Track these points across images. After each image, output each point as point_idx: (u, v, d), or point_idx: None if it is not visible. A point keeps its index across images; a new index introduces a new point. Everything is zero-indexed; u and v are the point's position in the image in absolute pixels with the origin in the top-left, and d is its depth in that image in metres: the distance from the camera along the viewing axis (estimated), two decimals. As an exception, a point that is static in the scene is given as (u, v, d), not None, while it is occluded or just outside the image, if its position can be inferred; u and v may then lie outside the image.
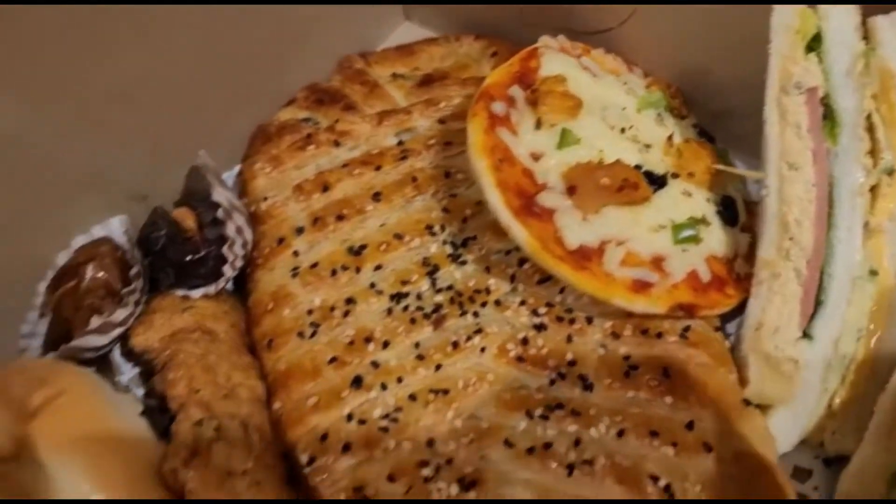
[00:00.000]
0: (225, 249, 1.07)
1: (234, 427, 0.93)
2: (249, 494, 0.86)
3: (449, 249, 1.09)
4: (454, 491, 0.90)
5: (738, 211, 1.09)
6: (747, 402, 0.97)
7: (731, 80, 1.16)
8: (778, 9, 1.00)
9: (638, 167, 1.05)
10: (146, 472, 0.88)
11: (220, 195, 1.09)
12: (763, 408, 0.99)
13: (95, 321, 1.01)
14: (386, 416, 0.96)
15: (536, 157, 1.04)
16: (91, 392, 0.93)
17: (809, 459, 1.00)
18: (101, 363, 1.06)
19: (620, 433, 0.93)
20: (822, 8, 0.99)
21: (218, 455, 0.89)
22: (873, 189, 0.98)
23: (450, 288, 1.06)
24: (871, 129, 0.98)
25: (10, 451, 0.83)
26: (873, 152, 0.98)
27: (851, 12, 0.99)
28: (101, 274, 1.04)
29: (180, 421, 0.92)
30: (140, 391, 1.06)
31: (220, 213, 1.08)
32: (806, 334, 0.98)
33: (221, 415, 0.93)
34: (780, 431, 0.99)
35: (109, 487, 0.84)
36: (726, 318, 1.06)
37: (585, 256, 0.98)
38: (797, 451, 1.00)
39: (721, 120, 1.20)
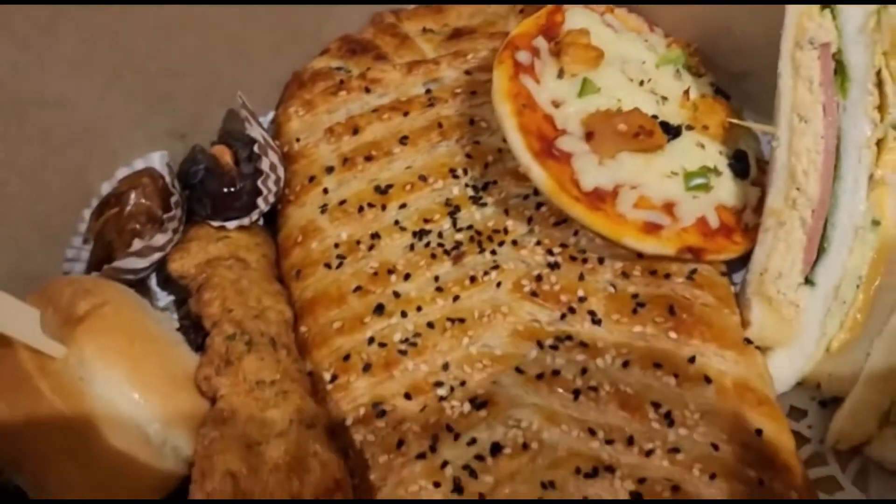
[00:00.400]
0: (259, 183, 1.14)
1: (263, 343, 0.99)
2: (276, 402, 0.92)
3: (470, 192, 1.14)
4: (466, 409, 0.96)
5: (750, 165, 1.13)
6: (748, 341, 1.02)
7: (750, 42, 1.19)
8: (792, -33, 1.04)
9: (654, 117, 1.09)
10: (183, 378, 0.95)
11: (256, 132, 1.15)
12: (763, 350, 1.04)
13: (137, 244, 1.07)
14: (405, 341, 1.02)
15: (557, 105, 1.09)
16: (133, 304, 1.00)
17: (806, 400, 1.05)
18: (139, 290, 1.13)
19: (625, 364, 0.98)
20: (838, -33, 1.03)
21: (249, 365, 0.95)
22: (880, 142, 1.02)
23: (470, 227, 1.11)
24: (880, 84, 1.01)
25: (60, 353, 0.90)
26: (881, 107, 1.01)
27: (865, -29, 1.03)
28: (142, 200, 1.11)
29: (214, 335, 0.98)
30: (175, 317, 1.14)
31: (255, 149, 1.14)
32: (808, 280, 1.03)
33: (252, 331, 0.99)
34: (779, 372, 1.03)
35: (147, 389, 0.91)
36: (733, 268, 1.11)
37: (600, 198, 1.03)
38: (794, 392, 1.05)
39: (738, 81, 1.24)
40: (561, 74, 1.11)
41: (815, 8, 1.03)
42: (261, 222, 1.22)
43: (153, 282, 1.20)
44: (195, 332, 1.06)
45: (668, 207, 1.05)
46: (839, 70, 1.02)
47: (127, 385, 0.90)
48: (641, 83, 1.13)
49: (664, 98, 1.14)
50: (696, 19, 1.25)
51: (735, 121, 1.13)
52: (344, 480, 0.87)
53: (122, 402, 0.89)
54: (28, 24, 1.02)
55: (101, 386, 0.89)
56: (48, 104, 1.07)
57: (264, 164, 1.14)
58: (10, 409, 0.89)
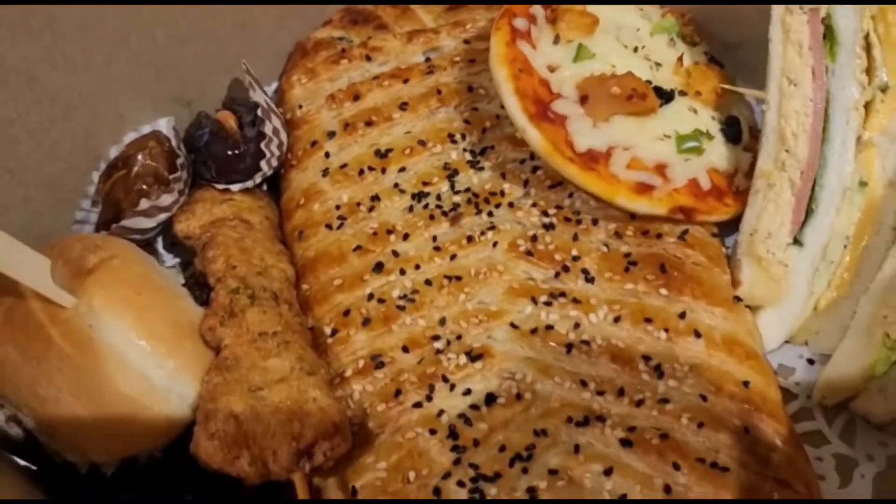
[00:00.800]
0: (262, 146, 1.17)
1: (266, 297, 1.02)
2: (278, 352, 0.95)
3: (468, 156, 1.17)
4: (462, 361, 0.99)
5: (742, 131, 1.15)
6: (738, 299, 1.04)
7: (743, 11, 1.22)
8: (782, -68, 1.06)
9: (648, 82, 1.12)
10: (188, 328, 0.98)
11: (259, 97, 1.17)
12: (753, 309, 1.07)
13: (144, 203, 1.10)
14: (403, 297, 1.05)
15: (553, 69, 1.12)
16: (140, 258, 1.03)
17: (793, 358, 1.08)
18: (146, 252, 1.16)
19: (617, 319, 1.01)
20: (829, -67, 1.06)
21: (252, 317, 0.98)
22: (867, 105, 1.05)
23: (467, 190, 1.14)
24: (867, 47, 1.04)
25: (71, 303, 0.93)
26: (869, 70, 1.04)
27: (855, -63, 1.05)
28: (149, 162, 1.14)
29: (219, 289, 1.01)
30: (181, 279, 1.17)
31: (259, 113, 1.17)
32: (796, 240, 1.06)
33: (255, 286, 1.02)
34: (768, 330, 1.06)
35: (154, 337, 0.94)
36: (727, 232, 1.13)
37: (593, 159, 1.06)
38: (783, 349, 1.08)
39: (733, 50, 1.26)
40: (557, 40, 1.14)
41: (806, -26, 1.05)
42: (265, 188, 1.25)
43: (160, 245, 1.23)
44: (200, 289, 1.09)
45: (661, 169, 1.07)
46: (828, 34, 1.05)
47: (134, 333, 0.93)
48: (636, 50, 1.16)
49: (658, 64, 1.16)
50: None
51: (727, 86, 1.15)
52: (342, 425, 0.90)
53: (129, 349, 0.92)
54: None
55: (110, 334, 0.92)
56: (57, 66, 1.10)
57: (267, 128, 1.17)
58: (22, 355, 0.92)
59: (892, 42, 1.03)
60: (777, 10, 1.06)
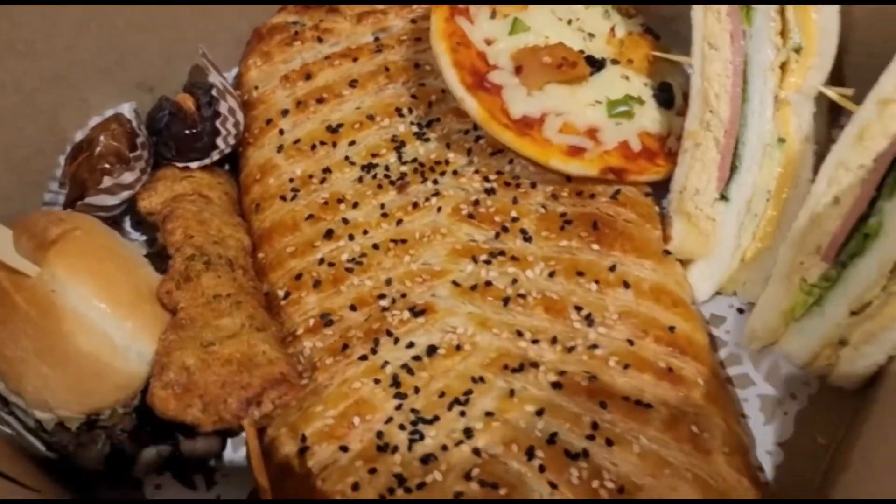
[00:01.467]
0: (218, 124, 1.23)
1: (221, 263, 1.08)
2: (230, 311, 1.02)
3: (415, 129, 1.23)
4: (406, 317, 1.06)
5: (675, 96, 1.21)
6: (667, 253, 1.10)
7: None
8: None
9: (581, 52, 1.18)
10: (147, 293, 1.04)
11: (215, 78, 1.24)
12: (685, 263, 1.13)
13: (107, 181, 1.16)
14: (352, 260, 1.12)
15: (489, 43, 1.18)
16: (102, 231, 1.10)
17: (724, 308, 1.14)
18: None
19: (552, 274, 1.07)
20: None
21: (206, 281, 1.04)
22: (783, 65, 1.11)
23: (414, 160, 1.20)
24: (781, 11, 1.10)
25: (34, 271, 0.99)
26: (783, 32, 1.10)
27: None
28: (111, 142, 1.20)
29: (176, 256, 1.08)
30: (145, 252, 1.24)
31: (214, 93, 1.23)
32: (723, 196, 1.12)
33: (211, 253, 1.09)
34: (699, 282, 1.12)
35: (114, 301, 1.00)
36: (663, 193, 1.19)
37: (528, 125, 1.12)
38: (714, 300, 1.14)
39: (669, 23, 1.32)
40: (493, 15, 1.20)
41: (724, -56, 1.11)
42: (226, 167, 1.32)
43: (127, 224, 1.29)
44: (163, 262, 1.15)
45: (592, 133, 1.13)
46: (744, -1, 1.11)
47: (95, 297, 0.99)
48: (570, 22, 1.22)
49: (591, 35, 1.22)
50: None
51: (657, 53, 1.21)
52: (290, 374, 0.96)
53: (90, 312, 0.98)
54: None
55: (72, 298, 0.98)
56: (20, 52, 1.16)
57: (222, 108, 1.23)
58: (-11, 321, 0.98)
59: (803, 4, 1.09)
60: (697, -22, 1.12)
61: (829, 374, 1.02)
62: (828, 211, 1.01)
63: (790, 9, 1.09)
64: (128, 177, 1.19)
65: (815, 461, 1.02)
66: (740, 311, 1.13)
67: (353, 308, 1.08)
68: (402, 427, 0.96)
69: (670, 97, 1.21)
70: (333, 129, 1.24)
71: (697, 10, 1.11)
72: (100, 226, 1.12)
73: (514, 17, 1.19)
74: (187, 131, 1.23)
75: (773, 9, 1.10)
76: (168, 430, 0.99)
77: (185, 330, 0.98)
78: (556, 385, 0.98)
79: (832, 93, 1.08)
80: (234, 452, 1.07)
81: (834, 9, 1.09)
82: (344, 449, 0.97)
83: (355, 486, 0.93)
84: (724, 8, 1.10)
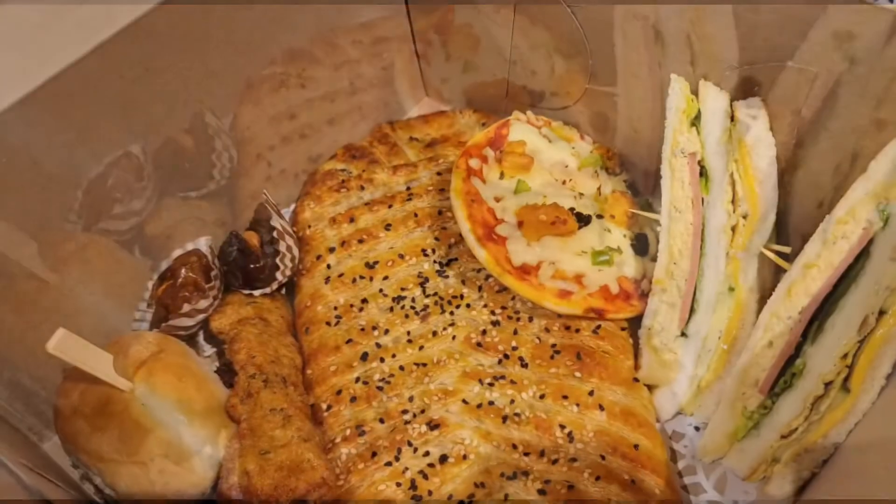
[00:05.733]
0: (278, 261, 1.51)
1: (277, 381, 1.35)
2: (283, 424, 1.27)
3: (437, 267, 1.50)
4: (423, 430, 1.30)
5: (650, 244, 1.46)
6: (636, 380, 1.34)
7: (653, 147, 1.54)
8: (671, 95, 1.38)
9: (571, 209, 1.44)
10: (217, 406, 1.30)
11: (276, 222, 1.52)
12: (652, 388, 1.37)
13: (186, 307, 1.44)
14: (382, 380, 1.37)
15: (498, 200, 1.45)
16: (182, 351, 1.37)
17: (684, 426, 1.36)
18: (189, 343, 1.50)
19: (542, 396, 1.32)
20: (701, 95, 1.37)
21: (265, 397, 1.31)
22: (734, 228, 1.34)
23: (435, 294, 1.47)
24: (733, 184, 1.34)
25: (128, 387, 1.27)
26: (734, 201, 1.34)
27: (721, 98, 1.36)
28: (190, 274, 1.48)
29: (240, 375, 1.35)
30: (216, 364, 1.51)
31: (275, 234, 1.51)
32: (683, 333, 1.35)
33: (269, 372, 1.35)
34: (662, 404, 1.35)
35: (191, 413, 1.26)
36: (637, 326, 1.42)
37: (526, 271, 1.38)
38: (675, 419, 1.36)
39: (650, 177, 1.58)
40: (502, 176, 1.47)
41: (686, 125, 1.37)
42: (283, 292, 1.59)
43: (201, 337, 1.57)
44: (229, 374, 1.42)
45: (578, 278, 1.39)
46: (703, 173, 1.35)
47: (177, 411, 1.26)
48: (564, 182, 1.49)
49: (581, 194, 1.49)
50: (616, 131, 1.61)
51: (634, 211, 1.47)
52: (329, 479, 1.21)
53: (171, 422, 1.24)
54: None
55: (158, 411, 1.25)
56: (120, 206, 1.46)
57: (282, 247, 1.51)
58: (90, 426, 1.25)
59: (748, 179, 1.33)
60: (665, 153, 1.38)
61: (766, 485, 1.24)
62: (764, 352, 1.24)
63: (739, 183, 1.34)
64: (203, 303, 1.47)
65: (757, 560, 1.23)
66: (697, 428, 1.36)
67: (381, 421, 1.33)
68: (417, 524, 1.21)
69: (645, 246, 1.46)
70: (371, 266, 1.51)
71: (666, 179, 1.36)
72: (180, 346, 1.39)
73: (519, 179, 1.46)
74: (252, 265, 1.51)
75: (726, 182, 1.34)
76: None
77: (246, 439, 1.24)
78: (541, 492, 1.22)
79: (770, 253, 1.31)
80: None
81: (773, 183, 1.33)
82: (371, 541, 1.21)
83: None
84: (686, 178, 1.35)
